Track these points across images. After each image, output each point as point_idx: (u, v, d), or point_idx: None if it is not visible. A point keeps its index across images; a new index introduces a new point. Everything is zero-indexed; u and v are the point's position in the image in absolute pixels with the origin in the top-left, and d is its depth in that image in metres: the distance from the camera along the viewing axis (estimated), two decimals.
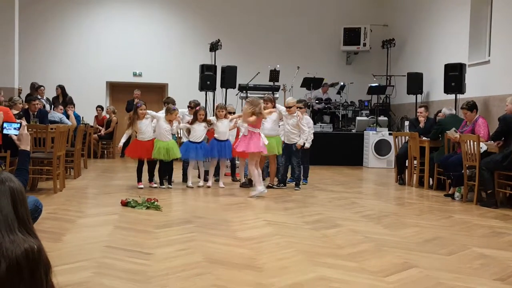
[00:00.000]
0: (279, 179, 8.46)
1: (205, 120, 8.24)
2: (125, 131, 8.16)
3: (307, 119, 8.79)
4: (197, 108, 8.40)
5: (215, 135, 8.30)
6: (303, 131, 8.16)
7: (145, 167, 8.14)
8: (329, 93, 14.13)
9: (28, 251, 1.48)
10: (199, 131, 8.20)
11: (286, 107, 8.23)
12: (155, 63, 14.85)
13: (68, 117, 10.68)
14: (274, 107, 8.24)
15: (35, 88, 11.51)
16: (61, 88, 12.51)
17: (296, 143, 8.15)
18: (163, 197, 6.94)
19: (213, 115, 8.80)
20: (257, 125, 7.47)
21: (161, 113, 8.20)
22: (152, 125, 8.05)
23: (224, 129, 8.27)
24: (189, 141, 8.23)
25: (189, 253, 4.17)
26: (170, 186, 8.18)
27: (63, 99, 12.16)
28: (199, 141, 8.18)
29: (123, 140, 8.16)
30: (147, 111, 8.05)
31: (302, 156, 8.50)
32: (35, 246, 1.50)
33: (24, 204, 1.60)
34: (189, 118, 8.49)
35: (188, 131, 8.30)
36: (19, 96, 10.69)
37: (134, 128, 7.97)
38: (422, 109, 9.36)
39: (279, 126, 8.36)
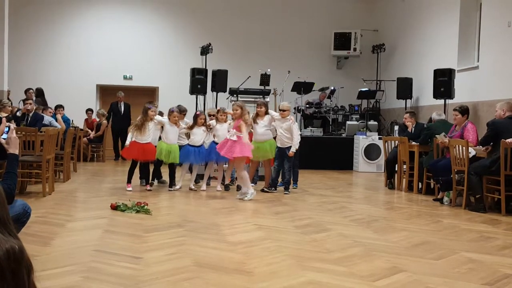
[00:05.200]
0: (270, 183, 8.46)
1: (204, 124, 8.28)
2: (130, 132, 8.15)
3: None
4: (198, 112, 8.46)
5: (215, 139, 8.30)
6: (293, 136, 8.17)
7: (137, 170, 8.15)
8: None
9: (9, 251, 1.47)
10: (198, 135, 8.23)
11: (280, 110, 8.27)
12: (146, 66, 14.82)
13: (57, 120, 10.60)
14: (267, 111, 8.24)
15: (24, 92, 11.37)
16: (38, 91, 12.09)
17: (289, 146, 8.16)
18: (153, 201, 6.93)
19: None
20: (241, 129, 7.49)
21: (165, 118, 8.30)
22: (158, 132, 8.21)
23: (223, 132, 8.28)
24: (188, 145, 8.25)
25: (178, 257, 4.16)
26: (150, 188, 8.17)
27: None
28: (198, 145, 8.20)
29: (129, 139, 8.08)
30: (156, 116, 8.14)
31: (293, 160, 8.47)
32: (16, 247, 1.50)
33: (4, 205, 1.60)
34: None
35: (188, 135, 8.34)
36: (8, 98, 10.62)
37: (142, 130, 7.94)
38: (407, 115, 9.42)
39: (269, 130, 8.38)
